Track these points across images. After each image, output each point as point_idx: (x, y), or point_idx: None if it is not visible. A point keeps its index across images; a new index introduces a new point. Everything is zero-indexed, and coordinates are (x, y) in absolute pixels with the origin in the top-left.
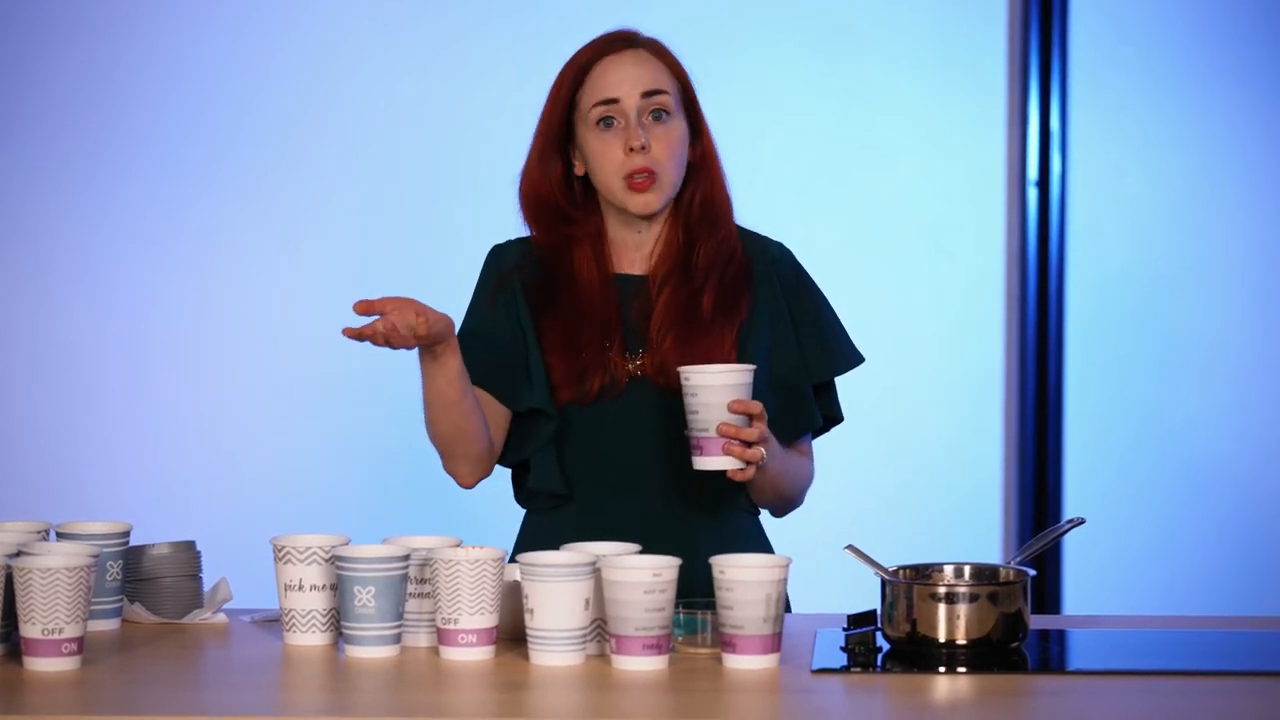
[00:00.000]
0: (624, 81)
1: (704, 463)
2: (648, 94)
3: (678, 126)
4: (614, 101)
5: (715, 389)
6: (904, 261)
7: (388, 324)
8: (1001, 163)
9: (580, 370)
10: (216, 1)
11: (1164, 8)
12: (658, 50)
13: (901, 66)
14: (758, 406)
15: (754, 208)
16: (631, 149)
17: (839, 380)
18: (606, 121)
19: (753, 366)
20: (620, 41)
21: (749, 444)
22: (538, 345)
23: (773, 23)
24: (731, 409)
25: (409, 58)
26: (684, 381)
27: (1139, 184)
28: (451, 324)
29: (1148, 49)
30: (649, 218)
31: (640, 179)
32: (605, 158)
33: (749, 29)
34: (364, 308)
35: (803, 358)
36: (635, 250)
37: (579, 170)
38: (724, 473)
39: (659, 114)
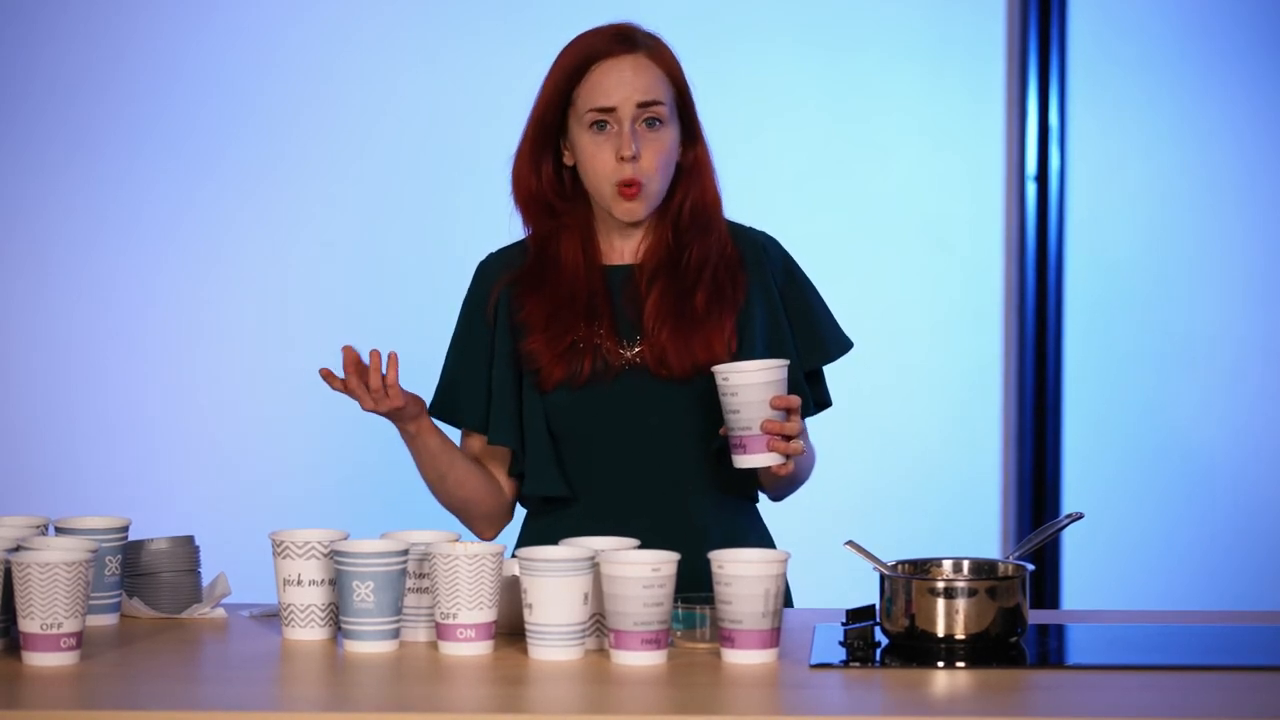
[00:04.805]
0: (621, 88)
1: (747, 460)
2: (644, 104)
3: (669, 134)
4: (610, 109)
5: (756, 386)
6: (903, 256)
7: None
8: (1000, 157)
9: (565, 349)
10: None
11: (1163, 2)
12: (657, 54)
13: (900, 61)
14: (797, 400)
15: (752, 203)
16: (622, 158)
17: (834, 364)
18: (600, 125)
19: (787, 361)
20: (622, 43)
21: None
22: (511, 369)
23: (771, 18)
24: (774, 405)
25: (410, 54)
26: (721, 381)
27: (1138, 178)
28: (421, 406)
29: (1147, 44)
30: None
31: (629, 189)
32: (597, 160)
33: (747, 24)
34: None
35: (795, 346)
36: (622, 242)
37: (569, 160)
38: (728, 462)
39: (652, 122)
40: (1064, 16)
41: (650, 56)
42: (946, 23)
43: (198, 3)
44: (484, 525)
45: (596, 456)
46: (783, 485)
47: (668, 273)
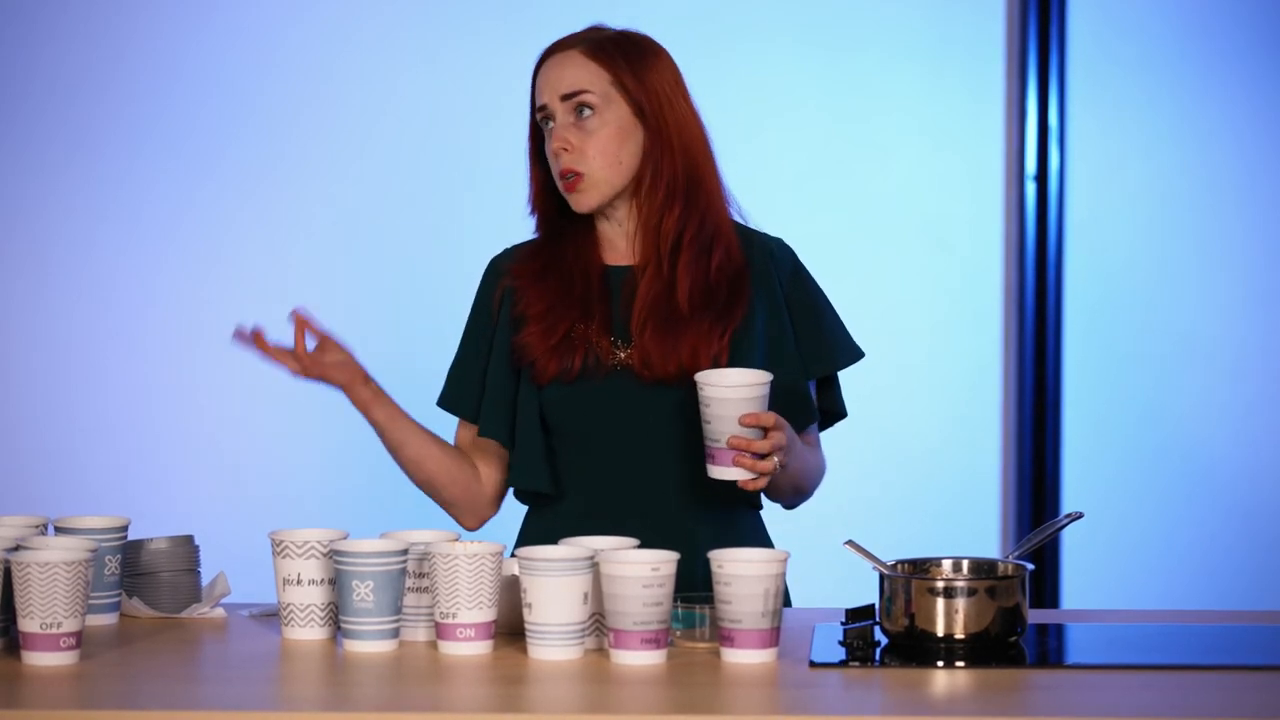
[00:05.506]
0: (546, 87)
1: (717, 472)
2: (566, 96)
3: (605, 121)
4: (543, 108)
5: (727, 401)
6: (902, 256)
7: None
8: (1000, 157)
9: (558, 342)
10: None
11: (1163, 2)
12: (593, 46)
13: (899, 60)
14: (771, 418)
15: (752, 203)
16: (554, 152)
17: (841, 375)
18: (545, 124)
19: (768, 375)
20: (557, 45)
21: (762, 455)
22: (509, 363)
23: (771, 18)
24: (743, 423)
25: (410, 54)
26: (699, 390)
27: (1138, 178)
28: (353, 376)
29: (1147, 44)
30: (608, 215)
31: (568, 180)
32: (550, 160)
33: (747, 24)
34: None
35: (801, 354)
36: (622, 242)
37: None
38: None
39: (581, 110)
40: (1064, 16)
41: (584, 50)
42: (946, 23)
43: (198, 3)
44: (456, 512)
45: (593, 453)
46: (785, 494)
47: (655, 269)
